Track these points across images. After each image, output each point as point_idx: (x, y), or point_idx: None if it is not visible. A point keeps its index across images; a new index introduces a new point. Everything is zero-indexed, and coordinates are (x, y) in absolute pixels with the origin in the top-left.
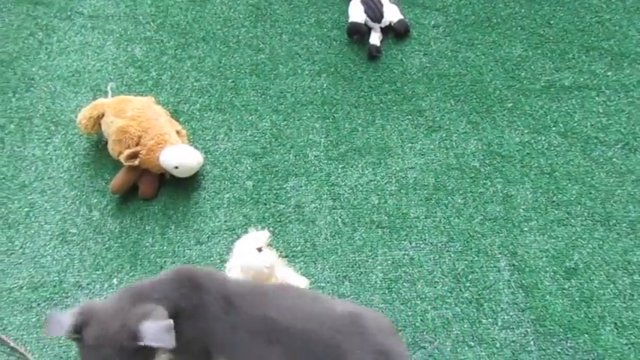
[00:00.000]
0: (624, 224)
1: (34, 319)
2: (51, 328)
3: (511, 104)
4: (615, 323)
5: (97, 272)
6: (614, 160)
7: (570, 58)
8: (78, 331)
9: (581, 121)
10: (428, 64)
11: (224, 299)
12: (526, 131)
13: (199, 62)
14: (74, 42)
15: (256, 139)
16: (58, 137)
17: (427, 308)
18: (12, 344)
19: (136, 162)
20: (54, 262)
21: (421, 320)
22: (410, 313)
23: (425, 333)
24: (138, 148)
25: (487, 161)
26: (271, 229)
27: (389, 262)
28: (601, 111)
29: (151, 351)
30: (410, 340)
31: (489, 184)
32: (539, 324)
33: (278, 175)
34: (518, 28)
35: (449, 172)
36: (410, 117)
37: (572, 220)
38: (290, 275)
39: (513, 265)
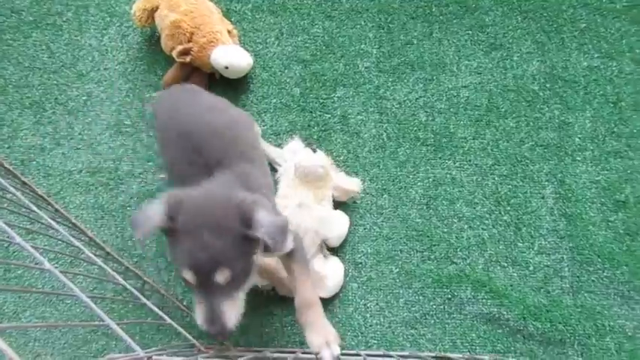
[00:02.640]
0: None
1: (92, 201)
2: (139, 227)
3: (584, 24)
4: None
5: (149, 164)
6: None
7: None
8: (172, 218)
9: None
10: None
11: None
12: (596, 55)
13: None
14: None
15: (307, 45)
16: (113, 29)
17: (464, 227)
18: (73, 220)
19: (188, 59)
20: (109, 150)
21: (456, 238)
22: (445, 230)
23: (458, 250)
24: (190, 44)
25: (547, 85)
26: (315, 137)
27: (430, 179)
28: None
29: (253, 245)
30: (443, 255)
31: (546, 109)
32: (577, 252)
33: (326, 84)
34: None
35: (504, 94)
36: (470, 32)
37: (631, 154)
38: (343, 178)
39: (559, 193)
